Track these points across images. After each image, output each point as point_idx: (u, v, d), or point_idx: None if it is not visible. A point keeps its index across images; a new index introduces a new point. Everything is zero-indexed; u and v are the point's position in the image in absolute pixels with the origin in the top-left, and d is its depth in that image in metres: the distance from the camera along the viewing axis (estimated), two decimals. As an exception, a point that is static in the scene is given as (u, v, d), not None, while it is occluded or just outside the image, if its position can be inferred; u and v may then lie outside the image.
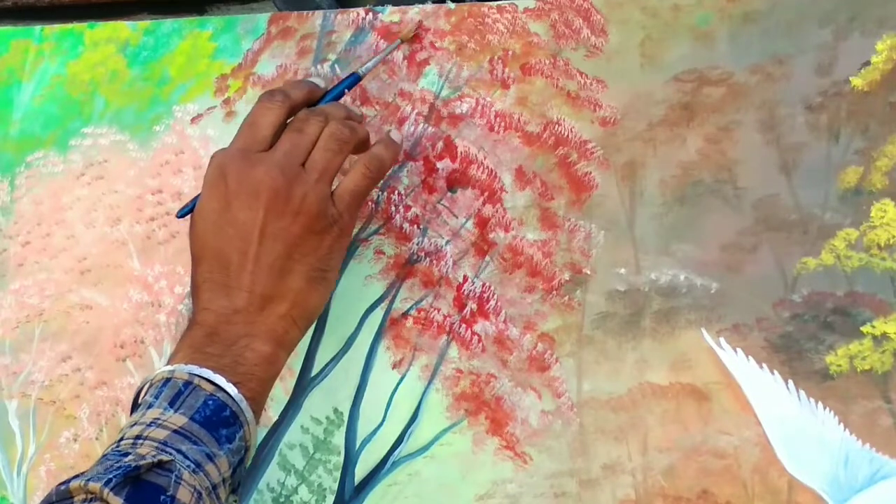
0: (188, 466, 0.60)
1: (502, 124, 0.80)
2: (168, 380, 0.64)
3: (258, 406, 0.67)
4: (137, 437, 0.61)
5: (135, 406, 0.66)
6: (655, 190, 0.73)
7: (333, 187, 0.71)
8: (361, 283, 0.82)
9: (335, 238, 0.69)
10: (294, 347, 0.70)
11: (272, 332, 0.67)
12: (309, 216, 0.67)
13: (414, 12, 0.86)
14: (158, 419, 0.62)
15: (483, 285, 0.77)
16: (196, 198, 0.70)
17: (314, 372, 0.82)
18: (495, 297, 0.77)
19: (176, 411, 0.62)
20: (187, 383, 0.63)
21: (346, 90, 0.77)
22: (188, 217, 0.72)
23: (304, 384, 0.82)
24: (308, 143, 0.69)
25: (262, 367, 0.67)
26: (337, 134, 0.70)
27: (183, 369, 0.64)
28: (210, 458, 0.62)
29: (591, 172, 0.76)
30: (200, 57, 0.94)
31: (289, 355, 0.70)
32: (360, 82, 0.82)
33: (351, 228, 0.71)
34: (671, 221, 0.73)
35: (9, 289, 0.96)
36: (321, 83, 0.77)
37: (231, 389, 0.64)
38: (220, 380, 0.64)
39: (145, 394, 0.65)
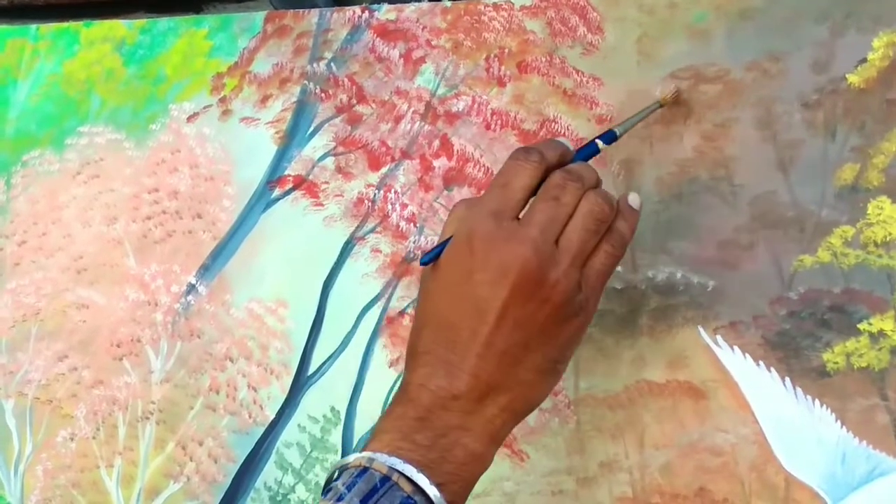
0: None
1: (499, 122, 0.80)
2: (366, 469, 0.57)
3: None
4: None
5: (326, 487, 0.59)
6: (652, 187, 0.73)
7: None
8: (358, 281, 0.82)
9: (577, 327, 0.61)
10: (504, 439, 0.62)
11: (488, 426, 0.60)
12: (556, 304, 0.59)
13: (410, 10, 0.86)
14: None
15: (480, 283, 0.77)
16: (441, 245, 0.62)
17: (311, 370, 0.82)
18: (492, 295, 0.77)
19: None
20: (385, 478, 0.56)
21: (603, 144, 0.68)
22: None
23: (301, 382, 0.82)
24: (565, 215, 0.60)
25: (470, 467, 0.59)
26: (596, 212, 0.61)
27: (384, 460, 0.57)
28: None
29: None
30: (196, 55, 0.94)
31: (497, 449, 0.62)
32: (358, 81, 0.82)
33: (593, 315, 0.63)
34: (668, 219, 0.72)
35: (5, 288, 0.96)
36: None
37: (433, 493, 0.57)
38: (422, 480, 0.57)
39: (338, 477, 0.59)
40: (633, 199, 0.65)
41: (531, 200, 0.62)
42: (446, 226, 0.63)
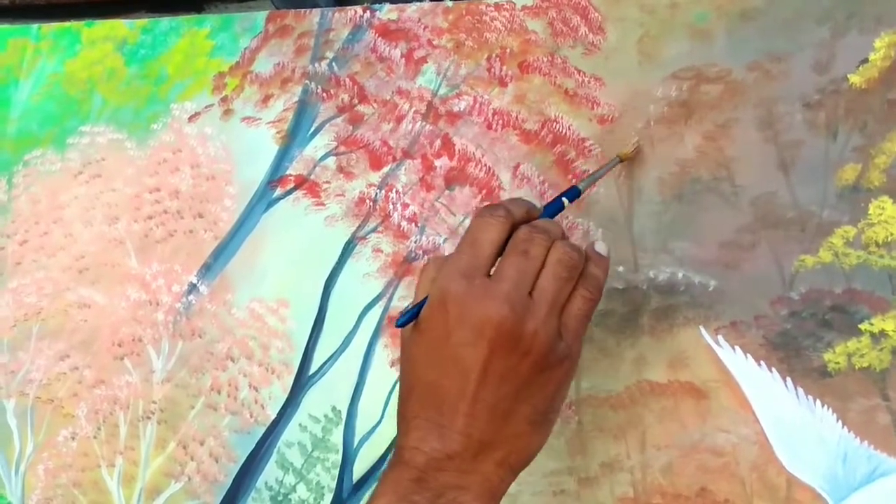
0: None
1: (500, 122, 0.80)
2: None
3: None
4: None
5: None
6: (653, 187, 0.73)
7: None
8: (360, 280, 0.82)
9: (564, 375, 0.61)
10: (503, 495, 0.62)
11: (485, 484, 0.60)
12: (538, 354, 0.59)
13: (412, 10, 0.86)
14: None
15: (481, 283, 0.77)
16: (415, 308, 0.62)
17: (312, 370, 0.82)
18: (493, 294, 0.77)
19: None
20: None
21: (567, 202, 0.69)
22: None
23: (302, 382, 0.82)
24: (535, 268, 0.61)
25: None
26: (566, 260, 0.61)
27: None
28: None
29: (588, 170, 0.76)
30: (198, 55, 0.94)
31: None
32: (359, 81, 0.82)
33: (577, 360, 0.63)
34: (669, 219, 0.72)
35: (6, 287, 0.96)
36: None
37: None
38: None
39: None
40: (601, 247, 0.65)
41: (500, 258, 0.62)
42: (419, 286, 0.64)
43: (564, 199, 0.69)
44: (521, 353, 0.59)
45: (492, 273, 0.61)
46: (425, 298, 0.62)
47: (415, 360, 0.62)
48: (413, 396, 0.62)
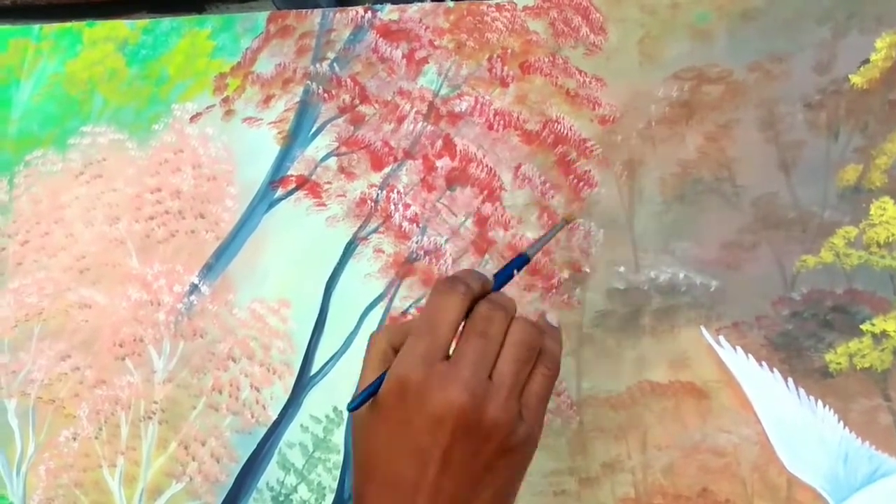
0: None
1: (501, 123, 0.80)
2: None
3: None
4: None
5: None
6: (655, 188, 0.73)
7: None
8: (361, 281, 0.82)
9: (524, 457, 0.61)
10: None
11: None
12: (499, 439, 0.58)
13: (413, 10, 0.86)
14: None
15: (482, 284, 0.77)
16: (367, 390, 0.61)
17: (314, 370, 0.82)
18: (495, 295, 0.77)
19: None
20: None
21: (516, 272, 0.67)
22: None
23: (303, 383, 0.82)
24: (494, 350, 0.60)
25: None
26: (527, 340, 0.60)
27: None
28: None
29: (590, 171, 0.76)
30: (199, 55, 0.94)
31: None
32: (361, 82, 0.82)
33: (538, 441, 0.61)
34: (670, 219, 0.73)
35: (8, 287, 0.96)
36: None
37: None
38: None
39: None
40: (551, 318, 0.65)
41: (460, 329, 0.61)
42: (368, 361, 0.62)
43: (515, 270, 0.68)
44: (482, 440, 0.58)
45: (451, 352, 0.60)
46: (376, 380, 0.61)
47: (372, 448, 0.61)
48: (371, 482, 0.61)
